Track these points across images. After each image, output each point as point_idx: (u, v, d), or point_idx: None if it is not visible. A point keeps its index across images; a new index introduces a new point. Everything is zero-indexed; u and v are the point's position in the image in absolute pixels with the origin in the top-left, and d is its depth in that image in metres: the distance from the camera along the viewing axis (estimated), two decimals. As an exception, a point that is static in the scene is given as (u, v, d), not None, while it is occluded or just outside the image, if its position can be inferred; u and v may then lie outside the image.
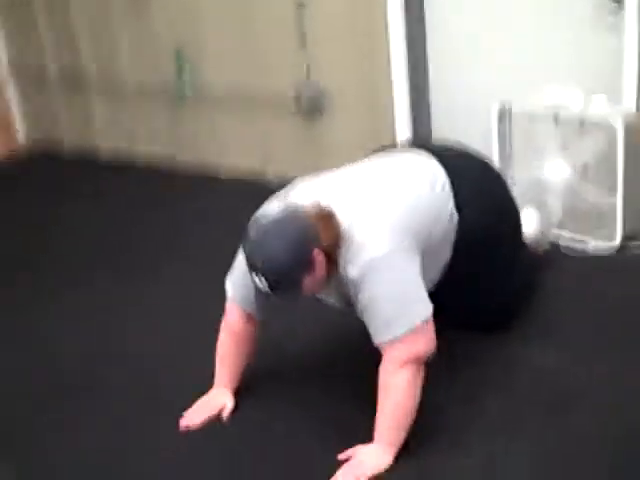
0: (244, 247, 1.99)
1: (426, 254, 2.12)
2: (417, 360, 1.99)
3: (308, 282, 1.98)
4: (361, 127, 3.58)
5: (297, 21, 3.55)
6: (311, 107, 3.66)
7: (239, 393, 2.31)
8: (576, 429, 2.08)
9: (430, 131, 3.57)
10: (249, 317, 2.24)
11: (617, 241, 2.95)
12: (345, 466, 2.01)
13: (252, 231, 1.98)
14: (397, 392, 2.00)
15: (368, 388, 2.04)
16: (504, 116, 3.08)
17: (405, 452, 2.02)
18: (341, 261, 2.01)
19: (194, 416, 2.24)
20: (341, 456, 2.04)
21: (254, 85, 3.82)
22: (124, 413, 2.33)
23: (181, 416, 2.24)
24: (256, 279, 1.96)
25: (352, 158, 3.50)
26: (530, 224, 2.86)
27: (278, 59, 3.69)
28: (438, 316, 2.20)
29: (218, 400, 2.28)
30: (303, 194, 2.11)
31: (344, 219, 2.02)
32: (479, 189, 2.33)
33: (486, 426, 2.13)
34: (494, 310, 2.46)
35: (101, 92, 4.43)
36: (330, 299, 2.22)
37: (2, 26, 4.68)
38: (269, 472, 2.05)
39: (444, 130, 3.52)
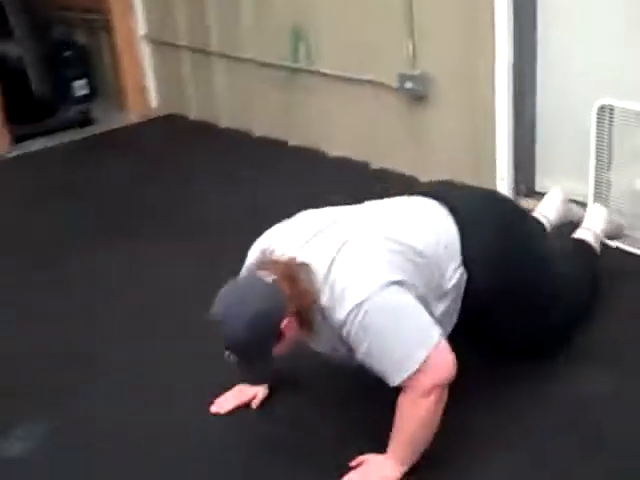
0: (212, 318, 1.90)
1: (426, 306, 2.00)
2: (439, 386, 1.93)
3: (279, 348, 1.94)
4: (463, 117, 3.50)
5: (406, 7, 3.50)
6: (415, 94, 3.60)
7: (276, 387, 2.35)
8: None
9: (534, 127, 3.43)
10: None
11: None
12: (352, 472, 2.02)
13: (216, 306, 1.90)
14: (419, 419, 1.95)
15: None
16: (604, 115, 2.91)
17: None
18: (325, 308, 1.92)
19: (225, 403, 2.31)
20: (353, 463, 2.04)
21: (361, 68, 3.80)
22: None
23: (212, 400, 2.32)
24: (225, 352, 1.92)
25: (453, 147, 3.49)
26: (598, 221, 2.76)
27: (386, 44, 3.66)
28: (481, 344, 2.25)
29: (250, 390, 2.33)
30: (286, 235, 2.06)
31: (323, 264, 1.93)
32: (493, 249, 2.15)
33: (508, 454, 2.08)
34: (536, 341, 2.36)
35: (223, 64, 4.54)
36: (319, 347, 2.09)
37: (142, 2, 4.90)
38: (281, 466, 2.10)
39: (547, 125, 3.38)
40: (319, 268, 1.93)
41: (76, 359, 2.61)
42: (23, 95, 4.88)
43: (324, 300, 1.92)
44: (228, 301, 1.90)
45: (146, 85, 5.08)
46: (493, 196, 2.40)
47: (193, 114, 4.89)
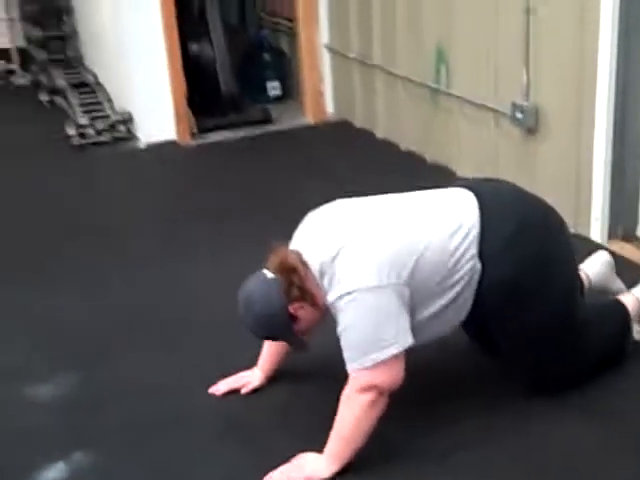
0: None
1: (431, 297, 2.20)
2: (377, 389, 2.12)
3: (301, 325, 2.23)
4: (567, 152, 3.46)
5: (525, 36, 3.52)
6: (524, 124, 3.62)
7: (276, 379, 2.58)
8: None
9: (638, 169, 3.32)
10: None
11: None
12: (285, 465, 2.20)
13: (239, 307, 2.25)
14: (353, 413, 2.14)
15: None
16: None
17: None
18: (325, 290, 2.17)
19: (221, 386, 2.58)
20: (294, 459, 2.22)
21: (488, 94, 3.88)
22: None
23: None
24: None
25: (557, 180, 3.47)
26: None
27: (506, 72, 3.72)
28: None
29: (247, 378, 2.58)
30: (310, 227, 2.31)
31: (331, 252, 2.16)
32: (511, 243, 2.24)
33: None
34: (539, 369, 2.41)
35: (382, 78, 4.79)
36: None
37: (327, 15, 5.28)
38: (237, 450, 2.33)
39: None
40: (326, 256, 2.16)
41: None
42: (212, 91, 5.42)
43: (326, 284, 2.16)
44: (241, 304, 2.25)
45: (323, 91, 5.43)
46: (525, 196, 2.42)
47: (358, 122, 5.17)
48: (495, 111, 3.83)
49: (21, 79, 7.16)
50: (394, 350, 2.11)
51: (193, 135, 5.24)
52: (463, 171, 4.17)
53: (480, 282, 2.23)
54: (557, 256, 2.35)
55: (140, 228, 3.98)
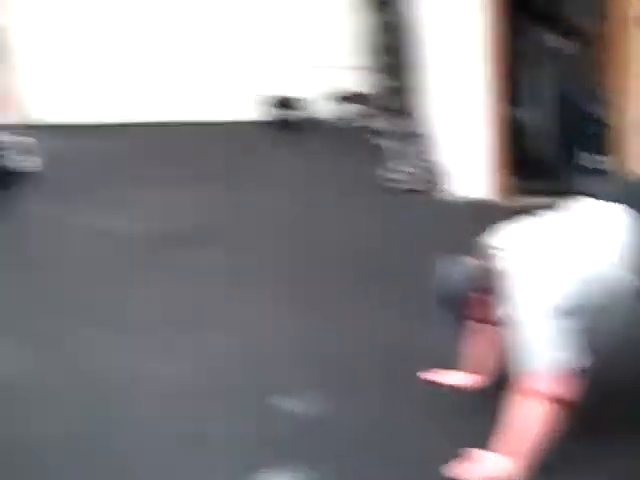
0: None
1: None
2: (546, 397, 2.39)
3: (469, 312, 2.67)
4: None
5: None
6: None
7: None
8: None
9: None
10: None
11: None
12: (469, 463, 2.47)
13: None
14: (528, 415, 2.41)
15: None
16: None
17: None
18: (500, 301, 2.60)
19: (429, 374, 3.08)
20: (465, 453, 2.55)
21: None
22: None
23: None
24: None
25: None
26: None
27: None
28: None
29: (451, 376, 3.05)
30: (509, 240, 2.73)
31: (511, 272, 2.56)
32: None
33: None
34: None
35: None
36: None
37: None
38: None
39: None
40: (509, 275, 2.56)
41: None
42: (534, 157, 5.45)
43: (504, 296, 2.56)
44: (441, 267, 2.77)
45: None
46: None
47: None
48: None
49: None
50: (564, 363, 2.38)
51: (504, 195, 5.28)
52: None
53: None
54: None
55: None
